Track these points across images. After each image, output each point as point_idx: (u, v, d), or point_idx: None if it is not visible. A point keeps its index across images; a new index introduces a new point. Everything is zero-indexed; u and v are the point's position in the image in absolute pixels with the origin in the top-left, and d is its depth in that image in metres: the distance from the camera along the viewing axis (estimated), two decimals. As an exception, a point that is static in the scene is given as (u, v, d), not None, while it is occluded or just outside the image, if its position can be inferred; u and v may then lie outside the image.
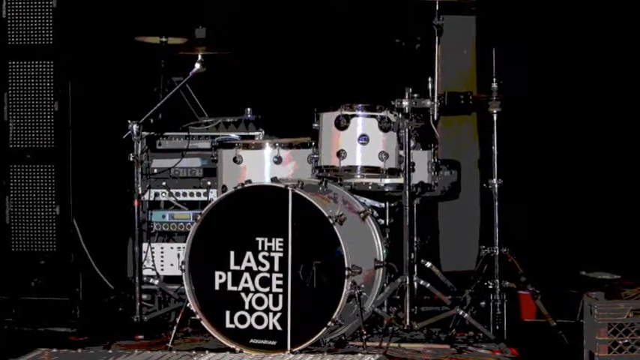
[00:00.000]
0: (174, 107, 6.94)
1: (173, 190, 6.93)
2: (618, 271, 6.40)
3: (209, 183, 6.85)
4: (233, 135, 6.92)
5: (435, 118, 6.27)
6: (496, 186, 6.37)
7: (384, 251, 6.35)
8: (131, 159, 6.44)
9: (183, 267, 6.02)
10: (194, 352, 5.74)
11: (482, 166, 7.45)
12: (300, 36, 7.73)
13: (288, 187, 5.91)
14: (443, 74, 6.33)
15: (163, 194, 6.93)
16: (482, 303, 6.33)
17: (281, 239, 5.89)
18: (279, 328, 5.87)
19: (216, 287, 5.98)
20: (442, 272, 6.77)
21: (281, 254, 5.90)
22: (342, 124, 6.20)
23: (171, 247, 6.88)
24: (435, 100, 6.22)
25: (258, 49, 7.71)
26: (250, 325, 5.92)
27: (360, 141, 6.19)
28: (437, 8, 6.25)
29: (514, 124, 6.80)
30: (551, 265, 7.03)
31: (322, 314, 5.79)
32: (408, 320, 6.10)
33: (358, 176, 6.34)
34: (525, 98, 6.95)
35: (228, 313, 5.96)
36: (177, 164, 6.91)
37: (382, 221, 6.55)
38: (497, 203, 6.37)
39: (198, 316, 6.00)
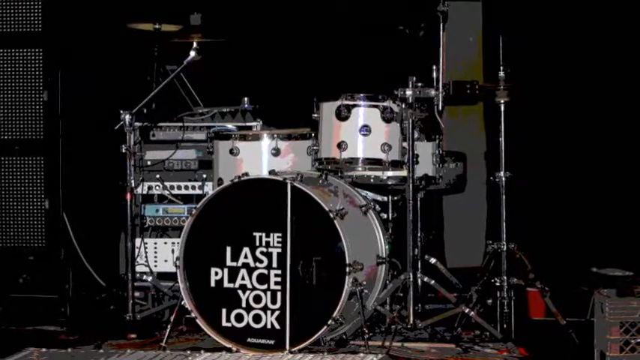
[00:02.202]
0: (168, 97, 6.92)
1: (167, 183, 6.91)
2: (631, 268, 6.38)
3: (204, 176, 6.84)
4: (229, 126, 6.91)
5: (440, 108, 6.26)
6: (503, 179, 6.37)
7: (387, 247, 6.33)
8: (123, 151, 6.41)
9: (177, 263, 6.01)
10: (189, 352, 5.73)
11: (488, 159, 7.44)
12: (300, 22, 7.70)
13: (287, 180, 5.89)
14: (448, 62, 6.32)
15: (157, 187, 6.91)
16: (489, 301, 6.33)
17: (279, 234, 5.87)
18: (277, 326, 5.85)
19: (212, 284, 5.96)
20: (447, 269, 6.77)
21: (279, 250, 5.88)
22: (342, 115, 6.19)
23: (165, 243, 6.88)
24: (440, 89, 6.20)
25: (256, 36, 7.68)
26: (247, 324, 5.91)
27: (361, 132, 6.18)
28: (442, -7, 6.25)
29: (522, 114, 6.78)
30: (561, 262, 7.02)
31: (322, 312, 5.77)
32: (411, 318, 6.09)
33: (360, 169, 6.32)
34: (534, 87, 6.94)
35: (224, 311, 5.95)
36: (172, 156, 6.90)
37: (385, 215, 6.54)
38: (504, 197, 6.37)
39: (193, 315, 5.99)
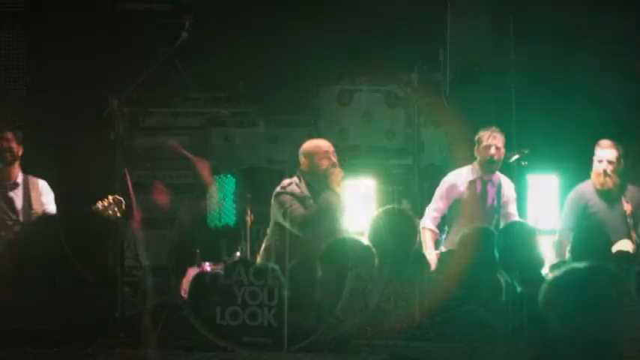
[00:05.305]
0: (160, 81, 6.89)
1: (158, 172, 6.89)
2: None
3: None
4: (224, 111, 6.90)
5: (448, 92, 6.25)
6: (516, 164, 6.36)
7: (391, 240, 6.31)
8: (112, 138, 6.38)
9: (169, 257, 5.97)
10: (181, 352, 5.70)
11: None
12: (299, 2, 7.68)
13: (286, 169, 5.86)
14: (456, 45, 6.30)
15: (148, 176, 6.89)
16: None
17: (278, 227, 5.85)
18: (274, 324, 5.81)
19: (206, 279, 5.92)
20: (455, 263, 6.74)
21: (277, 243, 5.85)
22: (344, 100, 6.17)
23: (157, 235, 6.84)
24: (447, 72, 6.19)
25: (253, 16, 7.65)
26: (243, 322, 5.85)
27: (364, 118, 6.16)
28: (449, -27, 6.24)
29: (534, 97, 6.77)
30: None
31: (323, 309, 5.73)
32: (417, 316, 6.06)
33: (362, 157, 6.31)
34: (545, 71, 6.93)
35: (218, 308, 5.90)
36: (163, 143, 6.88)
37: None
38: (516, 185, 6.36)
39: (185, 312, 5.96)
